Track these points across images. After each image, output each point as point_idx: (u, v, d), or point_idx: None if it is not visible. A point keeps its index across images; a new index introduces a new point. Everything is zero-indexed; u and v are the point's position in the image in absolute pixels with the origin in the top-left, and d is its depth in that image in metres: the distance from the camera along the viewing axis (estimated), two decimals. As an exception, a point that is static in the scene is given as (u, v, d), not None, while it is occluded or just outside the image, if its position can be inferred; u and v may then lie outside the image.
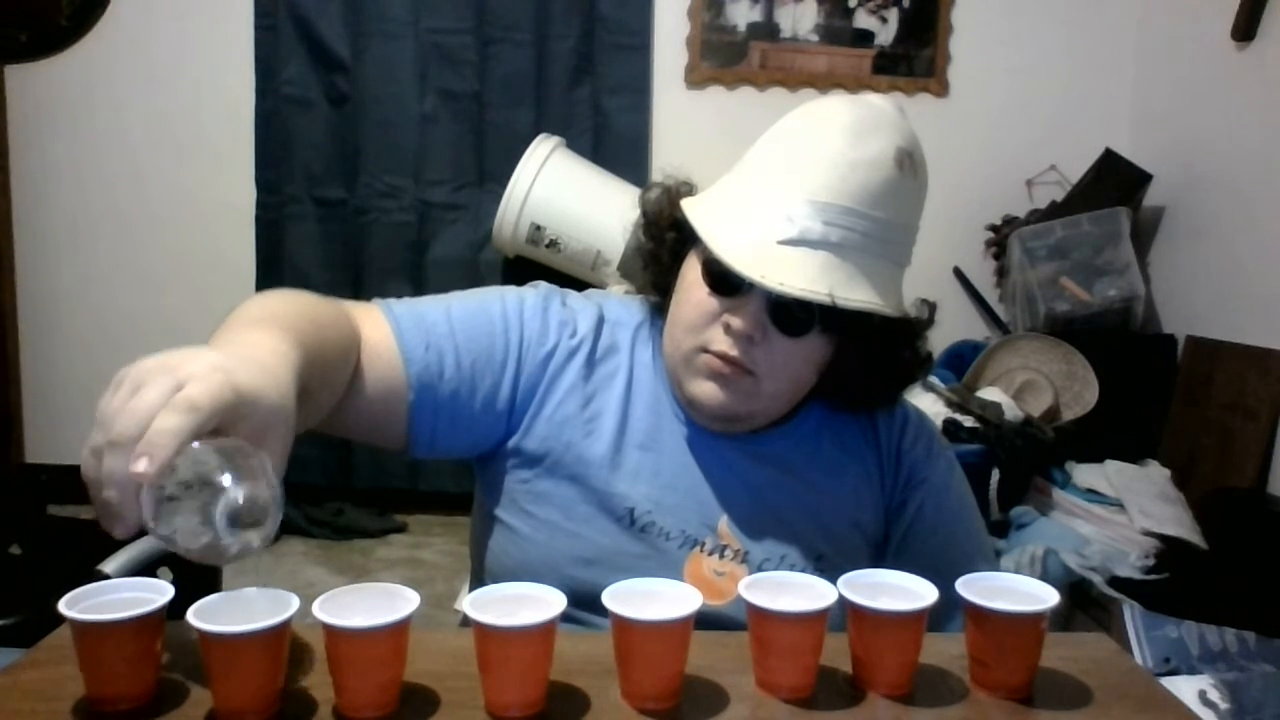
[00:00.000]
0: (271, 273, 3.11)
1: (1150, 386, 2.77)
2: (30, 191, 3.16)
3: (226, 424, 0.59)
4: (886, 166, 0.83)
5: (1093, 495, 2.37)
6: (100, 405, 0.58)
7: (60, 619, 0.61)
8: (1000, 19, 3.13)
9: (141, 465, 0.55)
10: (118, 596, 0.63)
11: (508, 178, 2.80)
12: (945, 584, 0.69)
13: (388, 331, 0.88)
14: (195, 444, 0.56)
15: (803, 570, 0.91)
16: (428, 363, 0.88)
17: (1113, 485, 2.37)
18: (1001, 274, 3.14)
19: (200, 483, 0.57)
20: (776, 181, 0.84)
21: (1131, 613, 1.89)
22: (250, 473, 0.58)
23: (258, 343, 0.67)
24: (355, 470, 3.16)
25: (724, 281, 0.86)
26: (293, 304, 0.79)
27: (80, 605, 0.61)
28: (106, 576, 0.61)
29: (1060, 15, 3.14)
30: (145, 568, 1.28)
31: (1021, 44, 3.15)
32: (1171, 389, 2.77)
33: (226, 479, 0.57)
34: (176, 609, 0.63)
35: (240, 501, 0.57)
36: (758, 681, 0.69)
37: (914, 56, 3.15)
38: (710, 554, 0.92)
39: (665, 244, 0.95)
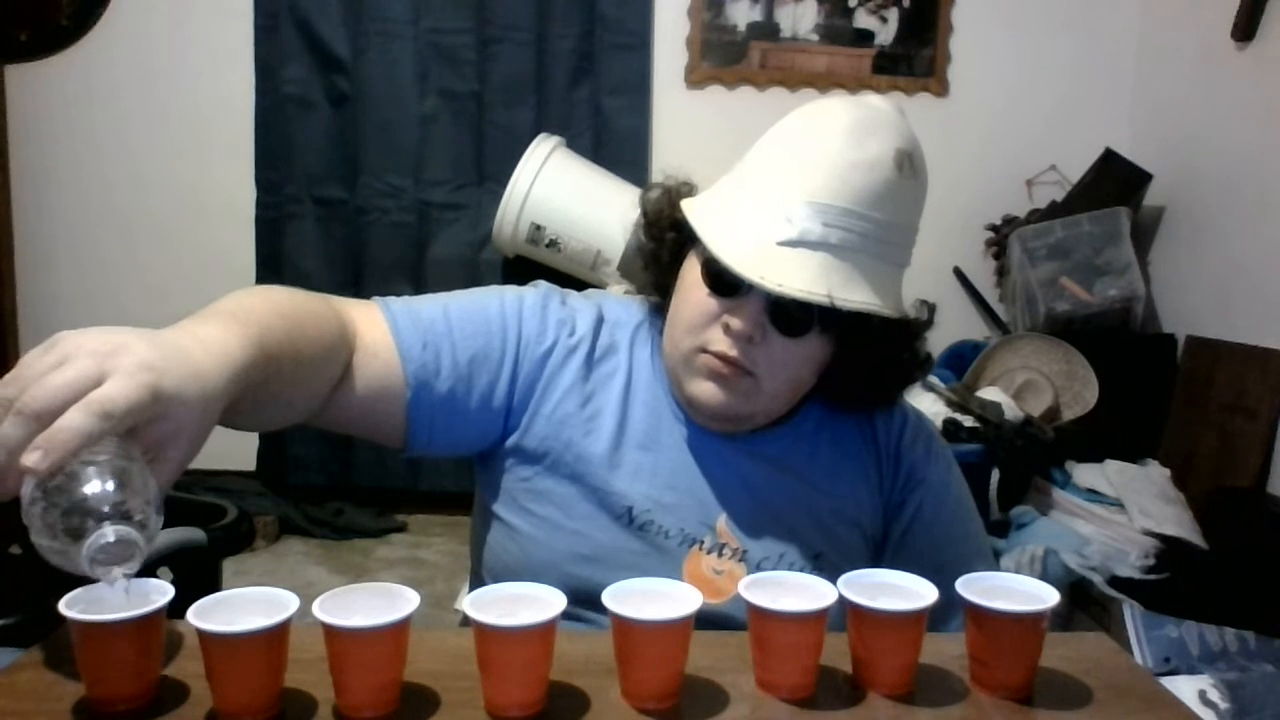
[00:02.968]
0: (271, 273, 3.11)
1: (1150, 386, 2.77)
2: (30, 191, 3.16)
3: (140, 422, 0.59)
4: (886, 168, 0.83)
5: (1093, 495, 2.37)
6: (26, 357, 0.58)
7: (60, 619, 0.61)
8: (1000, 18, 3.13)
9: (34, 459, 0.55)
10: (118, 596, 0.63)
11: (508, 178, 2.80)
12: (944, 584, 0.69)
13: (385, 329, 0.89)
14: (97, 454, 0.56)
15: (801, 569, 0.91)
16: (424, 361, 0.89)
17: (1113, 485, 2.37)
18: (1001, 274, 3.14)
19: (79, 494, 0.56)
20: (776, 182, 0.84)
21: (1131, 613, 1.89)
22: (128, 502, 0.57)
23: (206, 339, 0.67)
24: (355, 470, 3.16)
25: (723, 282, 0.86)
26: (272, 301, 0.79)
27: (80, 605, 0.61)
28: (107, 577, 0.61)
29: (1061, 15, 3.14)
30: (145, 568, 1.28)
31: (1022, 44, 3.15)
32: (1171, 389, 2.77)
33: (106, 506, 0.56)
34: (176, 609, 0.63)
35: (110, 539, 0.56)
36: (758, 681, 0.69)
37: (914, 56, 3.15)
38: (709, 552, 0.92)
39: (665, 244, 0.95)
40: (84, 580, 0.61)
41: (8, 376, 0.58)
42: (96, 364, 0.58)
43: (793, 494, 0.95)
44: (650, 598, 0.66)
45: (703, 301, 0.87)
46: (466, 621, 0.65)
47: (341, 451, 3.14)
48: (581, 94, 3.09)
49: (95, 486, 0.56)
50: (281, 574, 2.75)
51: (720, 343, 0.86)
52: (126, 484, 0.57)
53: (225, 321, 0.70)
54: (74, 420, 0.55)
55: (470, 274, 3.08)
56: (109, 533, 0.56)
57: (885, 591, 0.69)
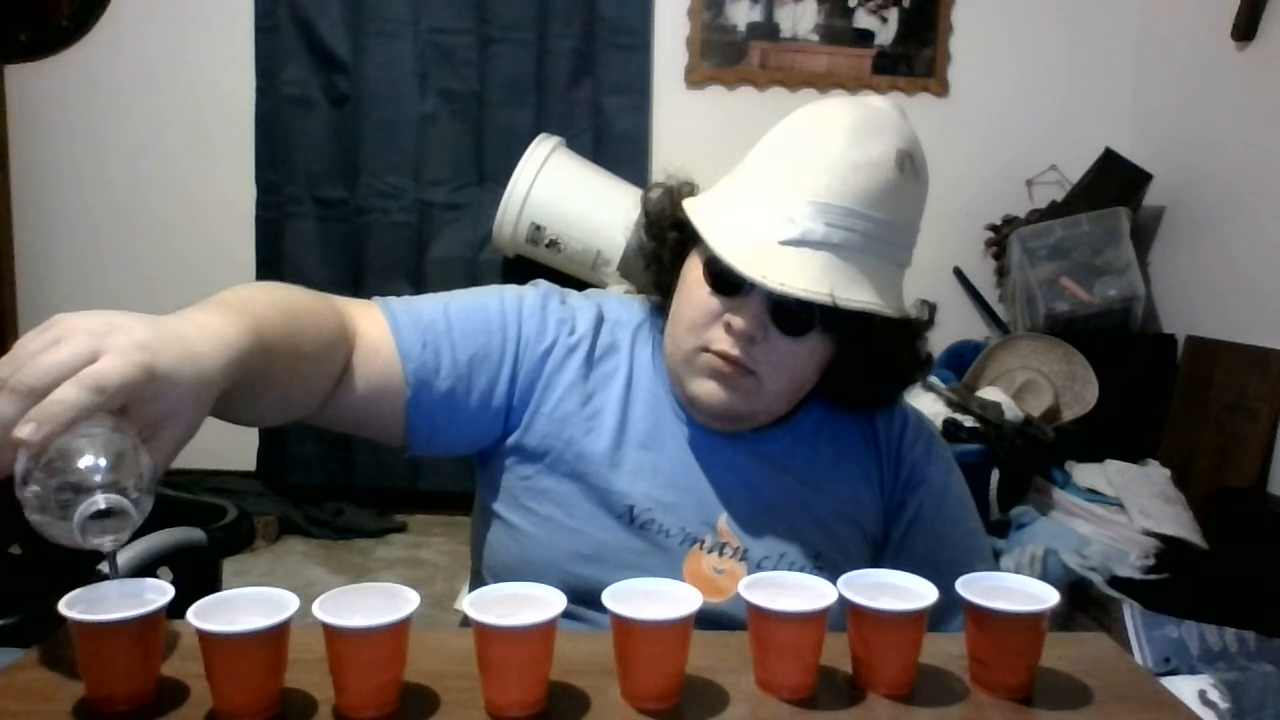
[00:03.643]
0: (271, 272, 3.11)
1: (1150, 386, 2.77)
2: (30, 191, 3.16)
3: (132, 401, 0.59)
4: (887, 168, 0.83)
5: (1093, 495, 2.37)
6: (23, 338, 0.58)
7: (60, 619, 0.60)
8: (1000, 19, 3.14)
9: (27, 430, 0.55)
10: (118, 596, 0.63)
11: (508, 178, 2.80)
12: (944, 584, 0.69)
13: (385, 329, 0.89)
14: (91, 428, 0.57)
15: (801, 568, 0.91)
16: (424, 360, 0.89)
17: (1113, 485, 2.37)
18: (1001, 274, 3.14)
19: (72, 468, 0.56)
20: (778, 182, 0.84)
21: (1131, 613, 1.89)
22: (121, 479, 0.57)
23: (203, 325, 0.67)
24: (355, 470, 3.16)
25: (725, 281, 0.86)
26: (272, 295, 0.79)
27: (80, 605, 0.61)
28: (107, 576, 0.61)
29: (1060, 15, 3.14)
30: (145, 568, 1.28)
31: (1021, 44, 3.15)
32: (1171, 389, 2.77)
33: (98, 477, 0.57)
34: (176, 609, 0.63)
35: (101, 506, 0.57)
36: (758, 681, 0.68)
37: (914, 56, 3.15)
38: (710, 551, 0.92)
39: (667, 243, 0.95)
40: (83, 580, 0.61)
41: (4, 357, 0.58)
42: (91, 342, 0.58)
43: (793, 494, 0.95)
44: (650, 598, 0.66)
45: (705, 301, 0.87)
46: (466, 621, 0.65)
47: (341, 451, 3.13)
48: (581, 94, 3.09)
49: (88, 460, 0.57)
50: (281, 574, 2.75)
51: (722, 342, 0.86)
52: (119, 460, 0.58)
53: (223, 311, 0.71)
54: (66, 393, 0.56)
55: (470, 274, 3.09)
56: (100, 500, 0.56)
57: (885, 591, 0.69)
